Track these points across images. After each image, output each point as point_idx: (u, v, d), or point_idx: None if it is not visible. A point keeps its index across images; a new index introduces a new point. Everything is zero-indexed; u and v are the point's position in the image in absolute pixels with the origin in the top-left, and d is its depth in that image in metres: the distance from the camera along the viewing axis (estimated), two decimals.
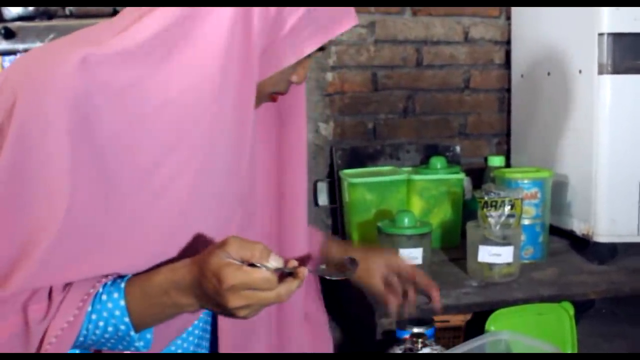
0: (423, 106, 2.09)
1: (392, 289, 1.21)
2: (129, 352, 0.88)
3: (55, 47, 0.88)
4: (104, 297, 0.84)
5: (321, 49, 0.98)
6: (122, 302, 0.83)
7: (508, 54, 2.10)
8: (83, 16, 1.71)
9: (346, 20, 0.98)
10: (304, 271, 0.82)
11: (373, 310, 1.31)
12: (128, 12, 0.93)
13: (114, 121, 0.82)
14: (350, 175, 1.74)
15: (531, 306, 1.35)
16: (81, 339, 0.84)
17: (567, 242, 1.72)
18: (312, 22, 0.93)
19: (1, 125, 0.82)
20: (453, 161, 1.99)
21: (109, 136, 0.82)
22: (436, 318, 1.30)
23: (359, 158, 1.98)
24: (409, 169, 1.83)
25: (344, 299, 1.66)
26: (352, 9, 1.00)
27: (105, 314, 0.83)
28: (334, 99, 2.01)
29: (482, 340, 1.17)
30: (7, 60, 1.57)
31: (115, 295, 0.83)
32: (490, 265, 1.42)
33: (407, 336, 1.20)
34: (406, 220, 1.43)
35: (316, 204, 1.99)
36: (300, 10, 0.91)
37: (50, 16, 1.65)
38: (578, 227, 1.63)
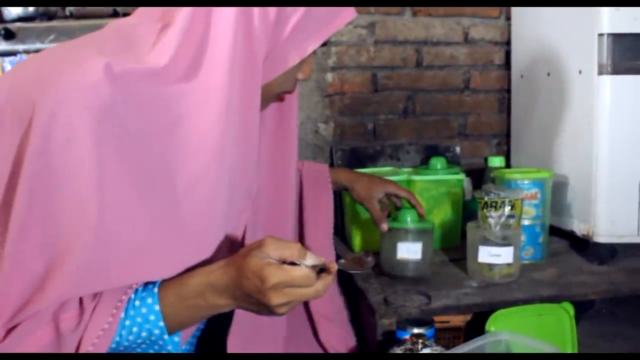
0: (423, 107, 2.09)
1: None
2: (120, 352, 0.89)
3: (73, 54, 0.85)
4: (137, 302, 0.85)
5: (324, 43, 1.00)
6: (157, 307, 0.84)
7: (508, 55, 2.10)
8: (83, 17, 1.71)
9: (345, 12, 0.99)
10: (334, 265, 0.87)
11: (374, 311, 1.31)
12: (143, 18, 0.93)
13: (139, 131, 0.82)
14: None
15: (531, 307, 1.35)
16: (113, 345, 0.84)
17: (567, 242, 1.72)
18: (312, 20, 0.94)
19: (20, 135, 0.79)
20: (453, 162, 1.99)
21: (134, 147, 0.82)
22: (436, 319, 1.30)
23: (359, 159, 1.98)
24: (409, 169, 1.83)
25: (345, 300, 1.66)
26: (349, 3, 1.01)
27: (139, 320, 0.84)
28: (333, 99, 2.01)
29: (482, 340, 1.17)
30: (7, 61, 1.57)
31: (149, 300, 0.85)
32: (490, 266, 1.42)
33: (407, 337, 1.20)
34: (409, 217, 1.45)
35: None
36: (300, 10, 0.92)
37: (50, 17, 1.65)
38: (578, 227, 1.63)
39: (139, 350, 0.88)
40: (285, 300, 0.82)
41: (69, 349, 0.81)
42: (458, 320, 1.36)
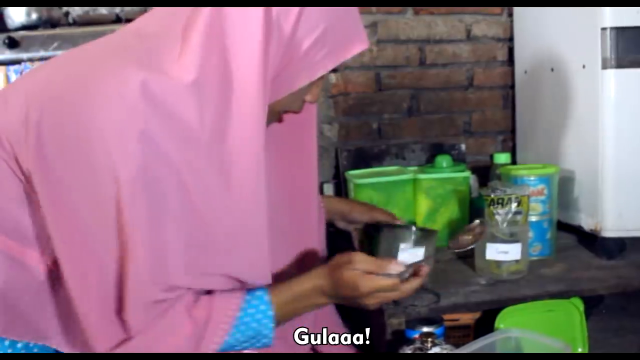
0: (427, 105, 2.09)
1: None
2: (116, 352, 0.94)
3: (106, 65, 0.89)
4: (252, 310, 0.98)
5: (334, 70, 1.01)
6: (270, 313, 1.00)
7: (511, 51, 2.10)
8: (86, 24, 1.71)
9: (358, 42, 1.01)
10: (425, 270, 1.09)
11: (382, 310, 1.31)
12: (163, 23, 0.94)
13: (178, 151, 0.89)
14: (356, 176, 1.74)
15: (540, 303, 1.35)
16: (224, 345, 0.97)
17: (575, 237, 1.71)
18: (325, 45, 0.94)
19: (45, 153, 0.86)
20: (458, 159, 1.98)
21: (175, 168, 0.89)
22: (445, 317, 1.30)
23: (364, 159, 1.98)
24: (415, 168, 1.83)
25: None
26: (363, 32, 1.03)
27: (254, 325, 0.98)
28: (337, 100, 2.01)
29: (492, 338, 1.16)
30: (12, 70, 1.58)
31: (262, 307, 0.99)
32: (498, 263, 1.41)
33: (416, 336, 1.20)
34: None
35: None
36: (315, 33, 0.92)
37: (54, 25, 1.66)
38: (586, 222, 1.62)
39: (238, 347, 1.00)
40: (376, 301, 1.05)
41: (200, 343, 0.93)
42: (467, 318, 1.36)
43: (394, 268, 1.04)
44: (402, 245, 1.33)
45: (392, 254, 1.33)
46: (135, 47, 0.91)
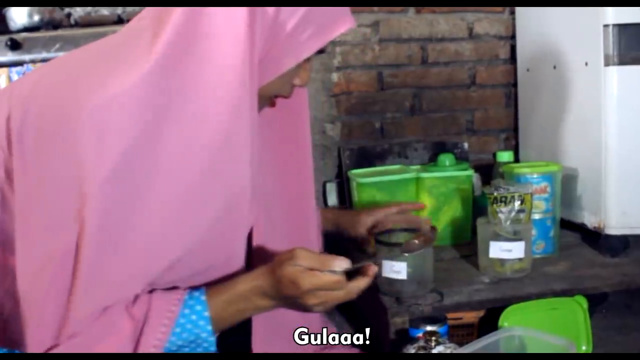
0: (429, 104, 2.08)
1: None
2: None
3: (76, 77, 0.90)
4: (187, 311, 0.92)
5: (321, 51, 0.99)
6: (206, 314, 0.93)
7: (513, 49, 2.09)
8: (88, 25, 1.72)
9: (343, 21, 0.98)
10: (373, 269, 1.00)
11: (386, 310, 1.31)
12: (139, 29, 0.93)
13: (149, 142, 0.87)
14: (358, 175, 1.74)
15: (544, 301, 1.34)
16: (167, 345, 0.92)
17: (578, 235, 1.71)
18: (309, 25, 0.94)
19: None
20: (461, 158, 1.98)
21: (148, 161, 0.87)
22: (449, 316, 1.30)
23: (367, 158, 1.98)
24: (418, 167, 1.83)
25: (356, 299, 1.66)
26: (347, 11, 1.00)
27: (189, 326, 0.92)
28: (340, 99, 2.01)
29: (496, 336, 1.16)
30: (14, 72, 1.58)
31: (198, 307, 0.93)
32: (501, 261, 1.41)
33: (420, 334, 1.20)
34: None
35: (325, 204, 1.99)
36: (298, 13, 0.92)
37: (56, 26, 1.66)
38: (589, 220, 1.62)
39: (180, 351, 0.94)
40: (318, 301, 0.95)
41: (139, 343, 0.89)
42: (471, 316, 1.36)
43: (339, 264, 0.95)
44: (384, 261, 1.29)
45: (380, 269, 1.28)
46: (112, 51, 0.92)
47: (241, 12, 0.88)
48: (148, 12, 0.96)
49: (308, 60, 1.00)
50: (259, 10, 0.89)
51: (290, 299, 0.95)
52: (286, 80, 1.00)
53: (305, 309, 0.97)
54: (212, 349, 0.96)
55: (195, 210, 0.91)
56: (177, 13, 0.88)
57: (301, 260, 0.93)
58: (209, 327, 0.93)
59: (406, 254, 1.24)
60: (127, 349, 0.88)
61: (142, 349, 0.88)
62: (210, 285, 0.97)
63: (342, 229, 1.45)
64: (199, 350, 0.95)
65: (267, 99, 1.03)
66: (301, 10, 0.92)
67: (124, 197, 0.86)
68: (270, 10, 0.90)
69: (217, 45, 0.88)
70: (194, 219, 0.92)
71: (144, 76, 0.86)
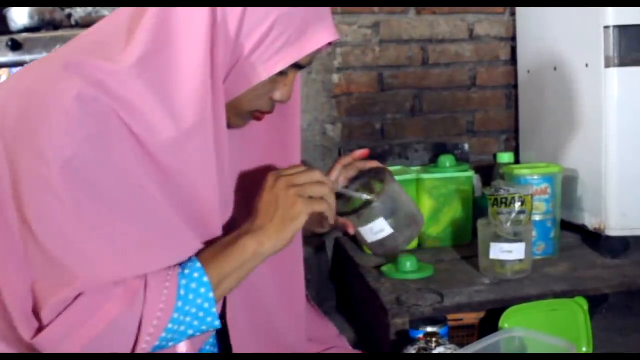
0: (430, 105, 2.08)
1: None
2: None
3: (47, 75, 0.87)
4: (184, 281, 0.86)
5: (299, 66, 0.95)
6: (206, 279, 0.87)
7: (514, 50, 2.09)
8: (88, 25, 1.72)
9: (318, 35, 0.94)
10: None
11: (386, 311, 1.31)
12: (115, 29, 0.92)
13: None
14: None
15: (545, 302, 1.34)
16: (170, 325, 0.85)
17: (579, 237, 1.71)
18: (280, 38, 0.91)
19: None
20: (462, 159, 1.98)
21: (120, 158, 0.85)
22: (449, 317, 1.30)
23: (367, 159, 1.97)
24: (418, 168, 1.83)
25: (356, 300, 1.66)
26: (327, 23, 0.95)
27: (191, 296, 0.86)
28: (340, 100, 2.01)
29: (496, 337, 1.16)
30: (15, 72, 1.58)
31: (196, 274, 0.87)
32: (502, 263, 1.41)
33: (420, 336, 1.20)
34: (408, 264, 1.47)
35: None
36: (264, 26, 0.89)
37: (56, 27, 1.66)
38: (589, 221, 1.62)
39: (189, 333, 0.88)
40: (294, 192, 0.90)
41: (135, 322, 0.82)
42: (471, 317, 1.36)
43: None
44: (361, 230, 1.10)
45: (363, 240, 1.12)
46: (89, 46, 0.91)
47: (202, 29, 0.87)
48: (123, 11, 0.95)
49: (286, 75, 0.96)
50: (221, 24, 0.87)
51: (274, 215, 0.90)
52: (262, 94, 0.97)
53: (292, 216, 0.90)
54: (216, 326, 0.90)
55: (150, 212, 0.88)
56: (150, 13, 0.87)
57: (275, 173, 0.94)
58: (211, 295, 0.88)
59: (374, 204, 1.05)
60: (128, 317, 0.82)
61: (145, 320, 0.83)
62: (201, 252, 0.91)
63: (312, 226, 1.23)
64: (196, 329, 0.88)
65: (247, 113, 1.00)
66: (267, 22, 0.89)
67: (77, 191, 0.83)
68: (233, 23, 0.88)
69: (180, 51, 0.87)
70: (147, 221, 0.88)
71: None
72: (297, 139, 1.13)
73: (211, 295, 0.87)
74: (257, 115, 1.01)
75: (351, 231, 1.10)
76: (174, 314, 0.85)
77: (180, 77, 0.87)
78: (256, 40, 0.90)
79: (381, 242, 1.10)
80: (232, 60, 0.90)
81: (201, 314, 0.88)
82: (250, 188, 1.05)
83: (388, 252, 1.16)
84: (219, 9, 0.87)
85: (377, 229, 1.09)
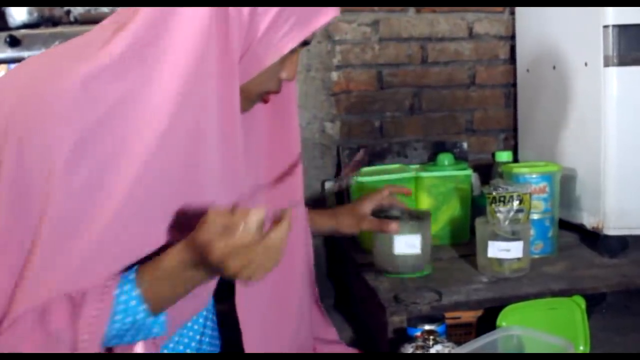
0: (429, 103, 2.08)
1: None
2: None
3: (45, 68, 0.87)
4: (116, 291, 0.85)
5: (305, 43, 0.97)
6: (135, 292, 0.85)
7: (513, 49, 2.09)
8: (87, 22, 1.71)
9: (325, 11, 0.96)
10: (288, 211, 0.84)
11: (384, 309, 1.31)
12: (105, 26, 0.93)
13: (109, 134, 0.84)
14: (357, 174, 1.74)
15: (542, 301, 1.34)
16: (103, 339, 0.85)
17: (577, 236, 1.71)
18: (289, 18, 0.92)
19: None
20: (460, 157, 1.98)
21: (107, 149, 0.84)
22: (447, 315, 1.30)
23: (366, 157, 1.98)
24: (417, 166, 1.83)
25: (354, 298, 1.66)
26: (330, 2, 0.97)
27: (121, 307, 0.84)
28: (339, 98, 2.01)
29: (494, 336, 1.16)
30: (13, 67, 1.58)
31: (127, 287, 0.85)
32: (500, 261, 1.41)
33: (418, 334, 1.20)
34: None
35: (324, 204, 1.99)
36: (275, 7, 0.90)
37: (55, 23, 1.66)
38: (588, 220, 1.62)
39: (127, 339, 0.88)
40: (241, 264, 0.82)
41: (65, 346, 0.82)
42: (469, 316, 1.36)
43: (252, 218, 0.81)
44: (396, 238, 1.34)
45: (389, 248, 1.36)
46: (74, 50, 0.90)
47: (206, 11, 0.86)
48: (119, 13, 0.95)
49: (293, 52, 0.98)
50: (231, 10, 0.87)
51: (216, 267, 0.84)
52: (272, 75, 0.98)
53: (231, 277, 0.85)
54: (159, 331, 0.89)
55: (152, 206, 0.88)
56: (144, 11, 0.87)
57: (211, 225, 0.82)
58: (143, 307, 0.85)
59: (426, 221, 1.30)
60: (67, 330, 0.82)
61: (80, 327, 0.82)
62: (142, 264, 0.89)
63: (344, 232, 1.41)
64: (138, 337, 0.88)
65: (256, 96, 1.01)
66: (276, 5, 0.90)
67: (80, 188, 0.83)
68: (245, 9, 0.88)
69: (177, 43, 0.86)
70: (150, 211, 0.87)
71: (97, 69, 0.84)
72: (296, 131, 1.14)
73: (142, 307, 0.85)
74: (265, 97, 1.02)
75: (394, 229, 1.25)
76: (110, 326, 0.84)
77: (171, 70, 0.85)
78: (269, 21, 0.90)
79: (404, 257, 1.35)
80: (247, 43, 0.91)
81: (139, 326, 0.87)
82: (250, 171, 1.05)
83: (399, 269, 1.39)
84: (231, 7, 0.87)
85: (411, 243, 1.34)
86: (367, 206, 1.40)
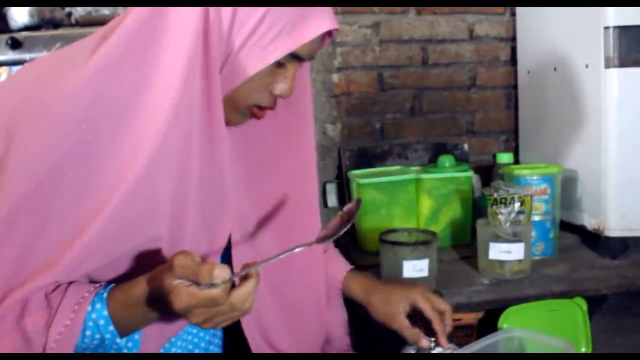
0: (430, 105, 2.08)
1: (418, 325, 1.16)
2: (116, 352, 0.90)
3: (45, 72, 0.89)
4: (88, 307, 0.85)
5: (297, 58, 0.94)
6: (106, 312, 0.85)
7: (514, 51, 2.09)
8: (88, 24, 1.71)
9: (316, 24, 0.92)
10: (254, 272, 0.81)
11: None
12: (94, 35, 0.93)
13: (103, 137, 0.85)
14: (358, 176, 1.74)
15: (544, 302, 1.34)
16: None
17: (578, 237, 1.71)
18: (273, 27, 0.89)
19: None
20: (461, 159, 1.98)
21: (101, 152, 0.85)
22: None
23: (367, 158, 1.98)
24: (418, 168, 1.83)
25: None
26: (328, 14, 0.94)
27: (90, 324, 0.85)
28: (340, 100, 2.01)
29: (495, 338, 1.16)
30: (15, 71, 1.58)
31: (98, 305, 0.85)
32: (501, 263, 1.41)
33: None
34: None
35: (325, 205, 1.99)
36: (257, 14, 0.88)
37: (56, 25, 1.66)
38: (589, 222, 1.62)
39: (102, 350, 0.89)
40: (202, 319, 0.80)
41: (37, 348, 0.83)
42: (470, 317, 1.36)
43: (217, 276, 0.77)
44: (405, 262, 1.33)
45: (398, 273, 1.34)
46: (67, 57, 0.91)
47: (194, 11, 0.86)
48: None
49: (285, 67, 0.95)
50: (214, 17, 0.86)
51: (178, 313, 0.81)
52: (261, 87, 0.95)
53: (199, 326, 0.83)
54: (133, 349, 0.89)
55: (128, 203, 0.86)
56: (134, 11, 0.87)
57: (178, 272, 0.78)
58: (111, 328, 0.85)
59: (424, 251, 1.29)
60: (41, 334, 0.83)
61: (51, 335, 0.82)
62: (119, 282, 0.88)
63: (373, 316, 1.23)
64: (111, 351, 0.88)
65: (245, 108, 0.97)
66: (259, 13, 0.88)
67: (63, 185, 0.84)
68: (226, 16, 0.87)
69: (167, 44, 0.85)
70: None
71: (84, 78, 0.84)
72: (311, 138, 1.11)
73: (111, 328, 0.85)
74: (255, 111, 0.98)
75: (425, 345, 1.13)
76: (80, 339, 0.85)
77: (163, 75, 0.85)
78: (250, 29, 0.88)
79: (411, 281, 1.29)
80: (227, 50, 0.89)
81: (109, 343, 0.87)
82: (251, 185, 1.05)
83: None
84: (211, 8, 0.87)
85: (419, 267, 1.32)
86: (402, 306, 1.17)
